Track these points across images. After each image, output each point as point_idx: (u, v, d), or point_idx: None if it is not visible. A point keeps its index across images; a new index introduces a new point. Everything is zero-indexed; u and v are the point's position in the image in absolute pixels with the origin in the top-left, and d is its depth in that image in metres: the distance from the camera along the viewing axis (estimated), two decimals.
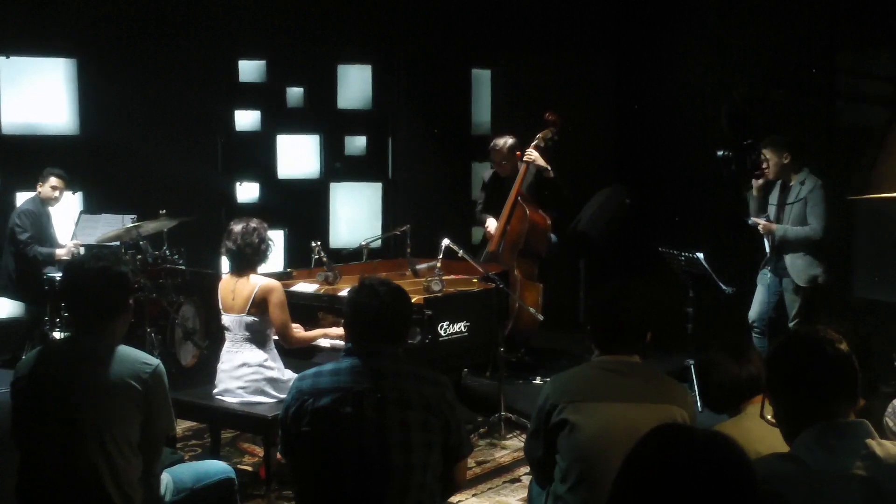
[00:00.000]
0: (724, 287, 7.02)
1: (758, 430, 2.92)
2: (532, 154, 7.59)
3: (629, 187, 8.60)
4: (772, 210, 6.97)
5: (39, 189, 7.94)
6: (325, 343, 5.49)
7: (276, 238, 9.43)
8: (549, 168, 7.60)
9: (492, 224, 7.79)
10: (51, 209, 8.07)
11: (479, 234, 8.46)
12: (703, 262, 6.98)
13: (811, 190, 6.74)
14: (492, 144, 7.93)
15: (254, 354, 5.10)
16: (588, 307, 3.55)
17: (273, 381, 5.08)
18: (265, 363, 5.11)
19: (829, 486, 2.32)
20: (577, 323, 8.95)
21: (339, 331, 5.42)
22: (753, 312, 7.12)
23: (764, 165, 6.86)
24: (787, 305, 6.91)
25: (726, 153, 6.99)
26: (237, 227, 5.15)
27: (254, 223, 5.19)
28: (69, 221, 8.26)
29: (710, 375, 3.54)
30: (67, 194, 8.17)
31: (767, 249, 7.02)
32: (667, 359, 7.39)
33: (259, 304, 5.09)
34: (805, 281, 6.78)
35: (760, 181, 6.91)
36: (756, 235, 7.15)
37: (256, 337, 5.12)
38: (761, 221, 6.93)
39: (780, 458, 2.44)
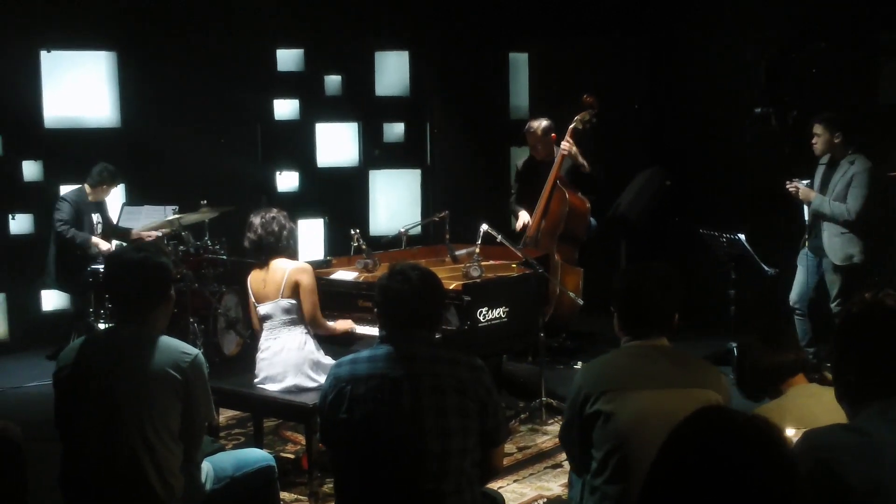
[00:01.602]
0: (766, 269, 6.95)
1: (798, 412, 2.89)
2: (570, 147, 7.49)
3: (669, 168, 8.53)
4: (816, 179, 6.88)
5: (87, 189, 7.99)
6: (363, 330, 5.49)
7: (316, 226, 9.52)
8: (585, 163, 7.53)
9: (524, 217, 7.73)
10: (98, 200, 8.14)
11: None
12: (745, 244, 6.92)
13: (859, 171, 6.63)
14: (526, 127, 7.89)
15: (293, 337, 5.12)
16: (613, 291, 3.47)
17: (314, 364, 5.09)
18: (306, 345, 5.13)
19: (893, 460, 2.26)
20: None
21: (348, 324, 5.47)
22: (794, 294, 7.04)
23: (813, 141, 6.77)
24: (828, 286, 6.83)
25: (765, 109, 6.90)
26: (256, 219, 5.20)
27: (272, 212, 5.22)
28: (112, 213, 8.35)
29: (742, 361, 3.49)
30: (114, 188, 8.27)
31: (806, 218, 6.94)
32: (709, 342, 7.33)
33: (293, 287, 5.11)
34: (841, 259, 6.70)
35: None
36: (798, 216, 7.07)
37: (295, 319, 5.15)
38: (801, 186, 6.83)
39: (843, 428, 2.39)
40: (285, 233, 5.19)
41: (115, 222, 8.22)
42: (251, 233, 5.17)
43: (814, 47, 7.67)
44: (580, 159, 7.50)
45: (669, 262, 3.53)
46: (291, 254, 5.28)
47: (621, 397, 3.21)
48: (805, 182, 6.86)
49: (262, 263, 5.22)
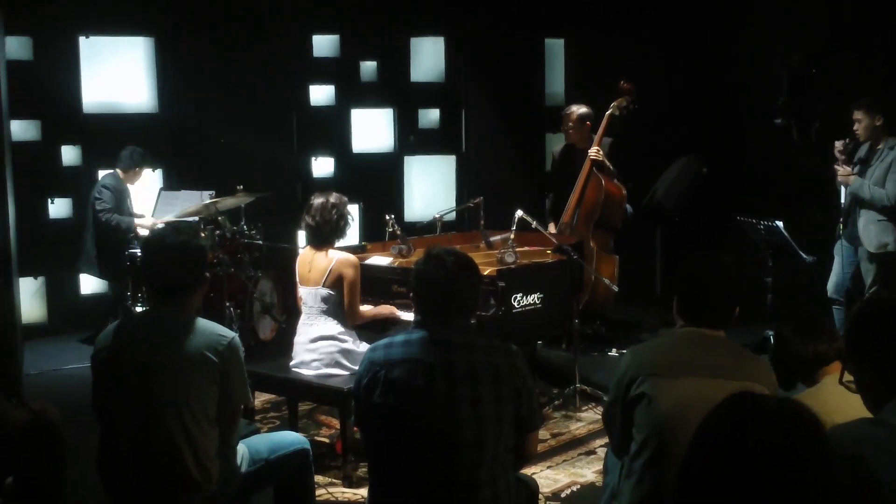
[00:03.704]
0: (804, 256, 6.89)
1: (835, 400, 2.87)
2: (598, 154, 7.45)
3: (705, 156, 8.47)
4: (856, 168, 6.81)
5: (120, 174, 8.08)
6: (402, 316, 5.51)
7: (351, 212, 9.53)
8: (612, 167, 7.49)
9: (551, 229, 7.66)
10: (129, 185, 8.22)
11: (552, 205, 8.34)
12: (783, 231, 6.86)
13: None
14: (564, 109, 7.89)
15: (328, 327, 5.16)
16: (678, 275, 3.44)
17: (348, 353, 5.13)
18: (340, 335, 5.16)
19: None
20: (653, 294, 8.86)
21: (388, 309, 5.51)
22: (831, 285, 6.98)
23: (854, 127, 6.69)
24: (863, 274, 6.77)
25: (785, 121, 6.82)
26: (317, 202, 5.21)
27: (333, 198, 5.23)
28: (149, 198, 8.42)
29: (778, 349, 3.47)
30: (147, 171, 8.33)
31: (843, 202, 6.86)
32: (746, 330, 7.27)
33: (336, 278, 5.14)
34: (875, 247, 6.63)
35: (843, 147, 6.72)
36: (836, 203, 6.99)
37: (331, 309, 5.18)
38: (841, 168, 6.74)
39: (870, 423, 2.38)
40: (342, 223, 5.22)
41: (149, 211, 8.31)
42: (309, 216, 5.20)
43: (840, 56, 7.51)
44: (608, 164, 7.46)
45: (731, 255, 3.50)
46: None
47: (667, 382, 3.20)
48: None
49: (313, 247, 5.25)
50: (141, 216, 8.10)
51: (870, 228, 6.65)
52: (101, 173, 8.49)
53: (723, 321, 3.35)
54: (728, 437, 1.84)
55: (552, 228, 7.61)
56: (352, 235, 9.10)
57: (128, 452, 3.52)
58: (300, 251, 5.45)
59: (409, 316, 5.40)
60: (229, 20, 8.95)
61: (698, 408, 2.99)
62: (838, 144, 6.74)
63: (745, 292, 3.42)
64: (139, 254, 7.49)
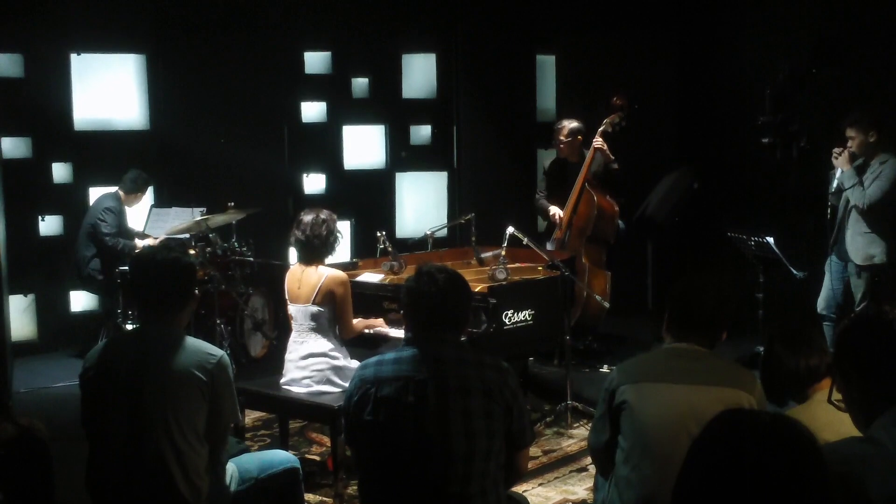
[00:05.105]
0: (795, 272, 6.90)
1: (825, 416, 2.86)
2: (602, 143, 7.47)
3: (697, 170, 8.47)
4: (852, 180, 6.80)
5: (121, 195, 8.08)
6: (391, 333, 5.50)
7: (343, 228, 9.50)
8: (615, 159, 7.51)
9: (555, 209, 7.70)
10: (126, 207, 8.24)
11: (544, 222, 8.37)
12: (774, 247, 6.86)
13: (886, 168, 6.53)
14: (555, 124, 7.91)
15: (319, 344, 5.14)
16: (671, 294, 3.47)
17: (339, 370, 5.11)
18: (330, 352, 5.14)
19: None
20: (644, 309, 8.84)
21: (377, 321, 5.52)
22: (821, 301, 6.97)
23: (848, 145, 6.63)
24: (853, 290, 6.75)
25: (770, 140, 6.82)
26: (307, 218, 5.20)
27: (323, 214, 5.22)
28: (140, 214, 8.41)
29: (767, 365, 3.47)
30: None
31: (838, 215, 6.83)
32: (737, 345, 7.27)
33: (325, 295, 5.12)
34: (862, 259, 6.62)
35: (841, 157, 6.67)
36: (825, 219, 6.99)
37: (322, 326, 5.16)
38: (839, 150, 6.66)
39: (858, 440, 2.38)
40: (332, 239, 5.22)
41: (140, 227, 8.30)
42: (299, 231, 5.19)
43: (827, 71, 7.52)
44: (610, 156, 7.48)
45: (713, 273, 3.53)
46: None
47: (648, 388, 3.27)
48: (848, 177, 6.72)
49: (302, 263, 5.24)
50: (143, 234, 8.10)
51: (857, 240, 6.65)
52: (93, 190, 8.49)
53: (710, 342, 3.40)
54: (723, 452, 1.84)
55: (553, 208, 7.68)
56: (343, 252, 9.11)
57: (116, 470, 3.51)
58: (290, 267, 5.44)
59: (399, 333, 5.39)
60: (221, 37, 8.95)
61: (682, 413, 3.08)
62: (836, 151, 6.73)
63: (737, 315, 3.46)
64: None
